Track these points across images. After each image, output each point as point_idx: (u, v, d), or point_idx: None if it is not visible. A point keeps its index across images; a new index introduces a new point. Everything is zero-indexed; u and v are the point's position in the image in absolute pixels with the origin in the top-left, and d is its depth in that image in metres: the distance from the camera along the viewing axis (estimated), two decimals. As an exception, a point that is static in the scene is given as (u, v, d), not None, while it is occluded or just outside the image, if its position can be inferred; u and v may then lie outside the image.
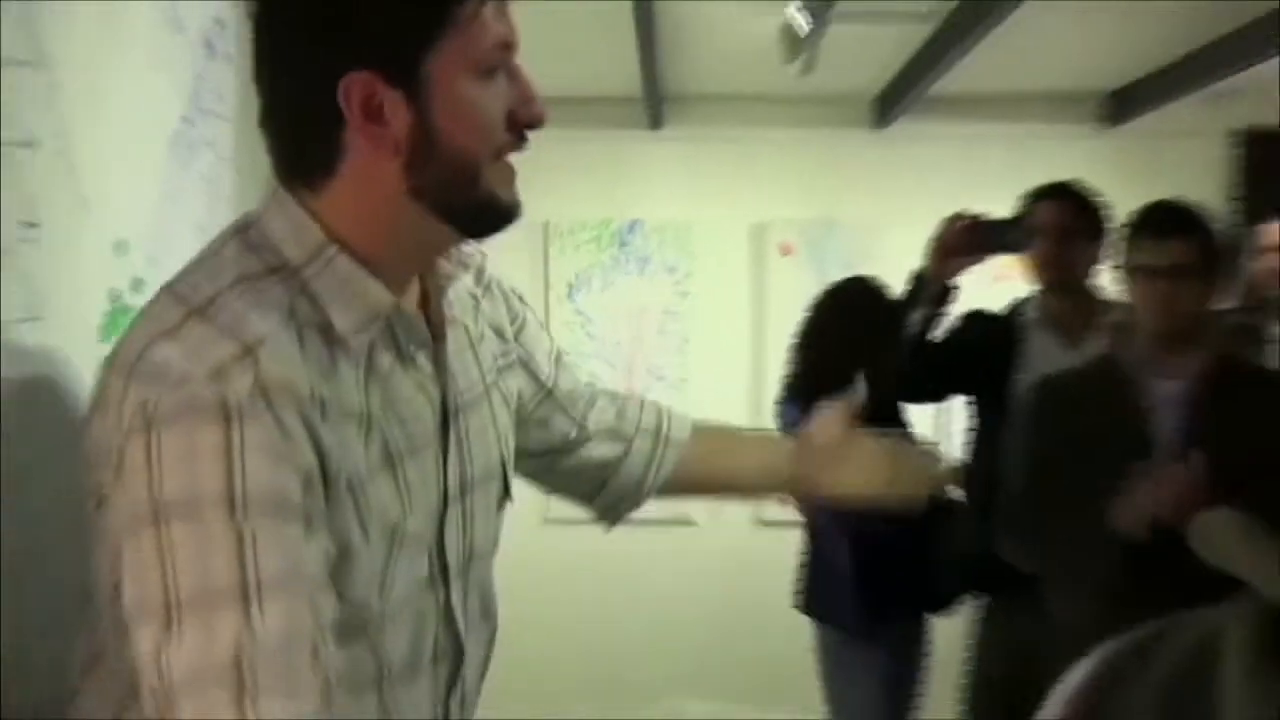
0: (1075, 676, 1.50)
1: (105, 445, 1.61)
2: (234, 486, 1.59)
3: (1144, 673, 1.48)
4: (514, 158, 1.87)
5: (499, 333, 2.15)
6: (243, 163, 2.84)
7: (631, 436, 2.46)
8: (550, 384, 2.30)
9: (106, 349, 1.89)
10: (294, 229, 1.76)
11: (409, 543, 1.84)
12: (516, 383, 2.18)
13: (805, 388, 4.33)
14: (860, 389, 2.99)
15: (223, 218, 2.51)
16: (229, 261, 1.72)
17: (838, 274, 5.22)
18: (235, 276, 1.69)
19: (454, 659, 2.01)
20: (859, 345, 4.29)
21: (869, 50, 5.36)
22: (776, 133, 6.73)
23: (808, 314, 4.54)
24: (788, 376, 4.45)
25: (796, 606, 4.57)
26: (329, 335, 1.72)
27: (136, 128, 2.24)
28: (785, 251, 6.78)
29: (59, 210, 1.90)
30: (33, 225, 1.85)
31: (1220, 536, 3.35)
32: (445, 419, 1.94)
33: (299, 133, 1.74)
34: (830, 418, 2.46)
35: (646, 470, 2.46)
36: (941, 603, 4.59)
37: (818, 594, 4.38)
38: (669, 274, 6.78)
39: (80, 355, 2.05)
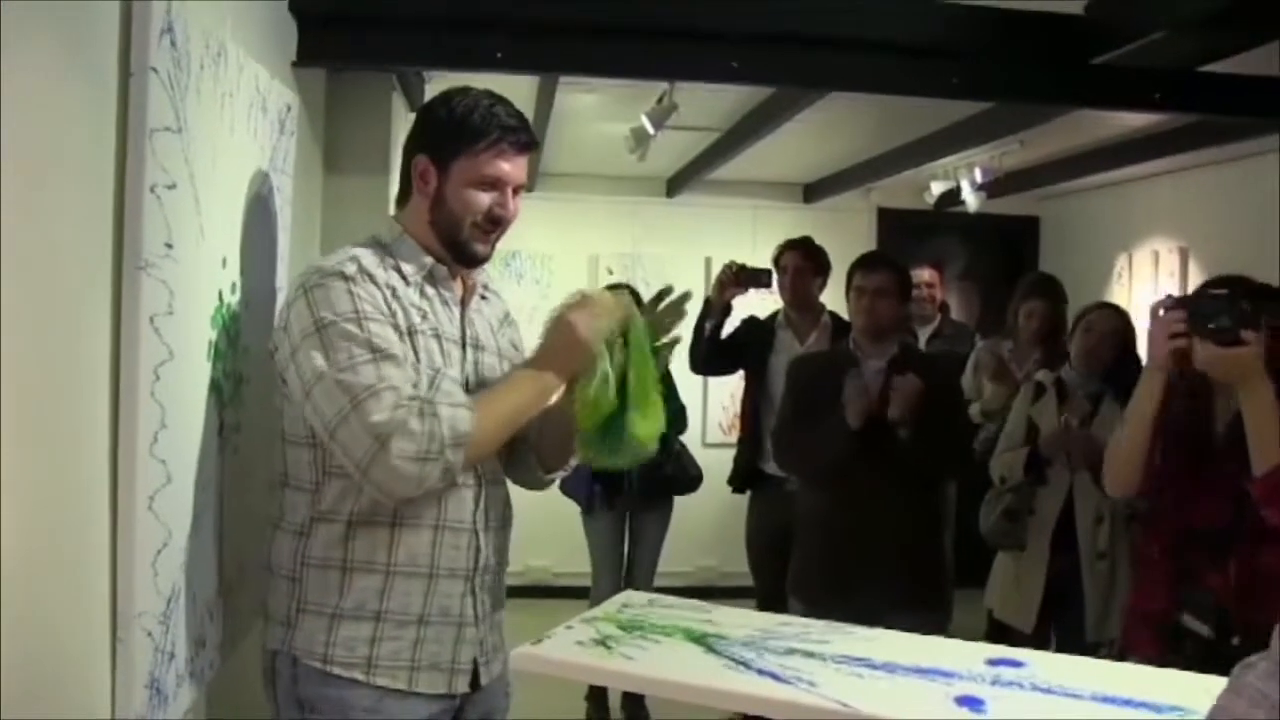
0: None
1: (281, 329, 2.06)
2: (359, 308, 1.99)
3: None
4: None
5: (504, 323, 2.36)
6: (298, 205, 2.96)
7: None
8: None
9: (215, 334, 2.21)
10: (389, 227, 2.22)
11: (446, 384, 2.06)
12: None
13: None
14: None
15: (285, 242, 2.80)
16: (356, 242, 2.17)
17: (642, 287, 5.57)
18: (356, 243, 2.16)
19: (476, 486, 2.15)
20: None
21: (664, 149, 5.59)
22: (605, 197, 7.23)
23: None
24: None
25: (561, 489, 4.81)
26: (400, 272, 2.11)
27: (236, 177, 2.32)
28: (610, 271, 7.13)
29: (187, 235, 1.98)
30: (170, 246, 1.88)
31: None
32: (464, 342, 2.18)
33: (402, 182, 2.22)
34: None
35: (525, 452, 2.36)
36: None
37: (568, 481, 4.48)
38: (536, 285, 7.15)
39: (198, 338, 2.10)
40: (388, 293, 2.05)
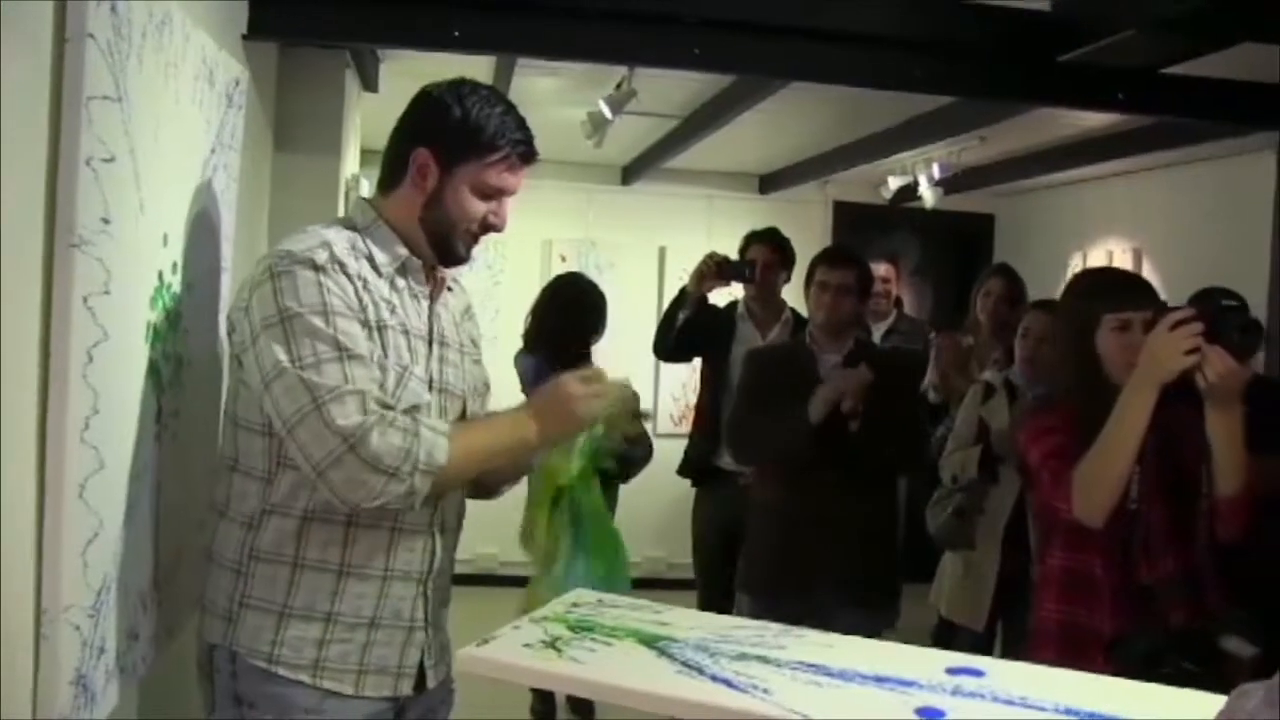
0: None
1: (241, 309, 1.98)
2: (327, 302, 1.91)
3: None
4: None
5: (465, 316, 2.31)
6: (243, 182, 2.85)
7: None
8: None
9: (154, 315, 2.10)
10: (362, 211, 2.14)
11: (416, 380, 2.03)
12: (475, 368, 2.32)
13: (536, 343, 4.60)
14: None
15: (231, 221, 2.69)
16: (326, 223, 2.11)
17: (595, 274, 5.60)
18: (325, 225, 2.09)
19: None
20: (569, 315, 4.55)
21: (621, 136, 5.56)
22: (560, 183, 7.04)
23: (541, 293, 4.81)
24: (525, 334, 4.72)
25: None
26: (372, 262, 2.05)
27: (180, 152, 2.22)
28: (563, 258, 7.10)
29: (126, 210, 1.88)
30: (107, 221, 1.79)
31: None
32: (431, 339, 2.13)
33: (389, 166, 2.13)
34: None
35: None
36: None
37: None
38: (488, 269, 7.01)
39: (135, 319, 2.01)
40: (359, 284, 1.98)
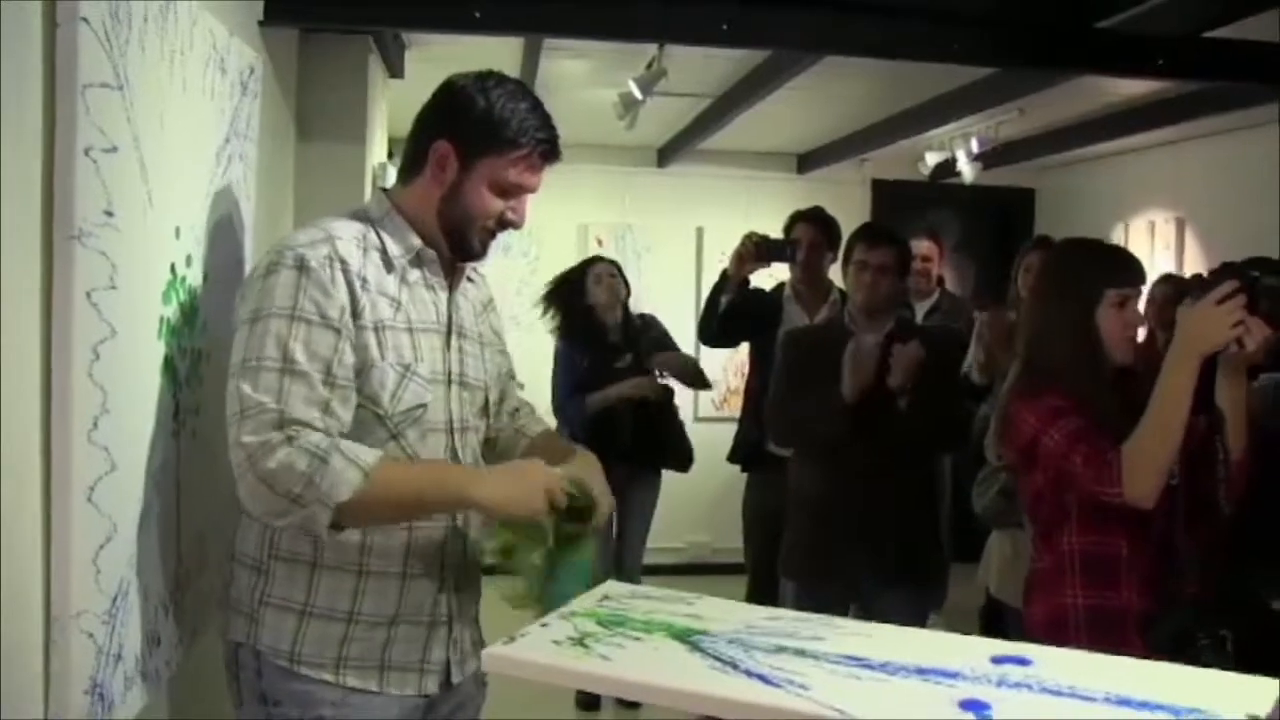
0: None
1: (239, 300, 1.95)
2: (298, 306, 1.86)
3: None
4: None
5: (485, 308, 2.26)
6: (263, 172, 2.78)
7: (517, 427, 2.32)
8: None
9: (168, 310, 2.04)
10: (378, 202, 2.09)
11: (418, 380, 1.98)
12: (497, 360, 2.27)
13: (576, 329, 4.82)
14: None
15: (249, 210, 2.61)
16: (339, 214, 2.06)
17: (633, 258, 5.51)
18: (336, 216, 2.04)
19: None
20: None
21: (654, 117, 5.54)
22: (595, 166, 6.96)
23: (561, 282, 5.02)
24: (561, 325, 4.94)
25: None
26: (384, 254, 1.99)
27: (191, 142, 2.14)
28: (600, 243, 6.95)
29: (132, 202, 1.81)
30: (110, 214, 1.71)
31: None
32: (449, 330, 2.08)
33: (410, 157, 2.06)
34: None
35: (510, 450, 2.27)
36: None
37: None
38: (524, 257, 6.93)
39: (146, 314, 1.93)
40: (359, 283, 1.92)
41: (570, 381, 4.83)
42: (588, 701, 4.94)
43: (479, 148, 1.99)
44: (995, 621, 4.11)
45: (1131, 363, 2.59)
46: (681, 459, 4.96)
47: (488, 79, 2.02)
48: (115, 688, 1.82)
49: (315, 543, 1.93)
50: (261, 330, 1.85)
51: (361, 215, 2.05)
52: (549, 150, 2.02)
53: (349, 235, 1.96)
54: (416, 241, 2.02)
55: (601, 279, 4.86)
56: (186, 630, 2.20)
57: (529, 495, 1.93)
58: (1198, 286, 2.41)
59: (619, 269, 4.97)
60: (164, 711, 2.15)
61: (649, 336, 4.97)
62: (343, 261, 1.91)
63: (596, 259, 5.07)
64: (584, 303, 4.87)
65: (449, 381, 2.04)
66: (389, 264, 1.99)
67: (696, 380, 5.05)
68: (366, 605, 1.97)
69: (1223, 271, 2.59)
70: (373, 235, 1.99)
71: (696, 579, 6.16)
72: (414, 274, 2.02)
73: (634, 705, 4.89)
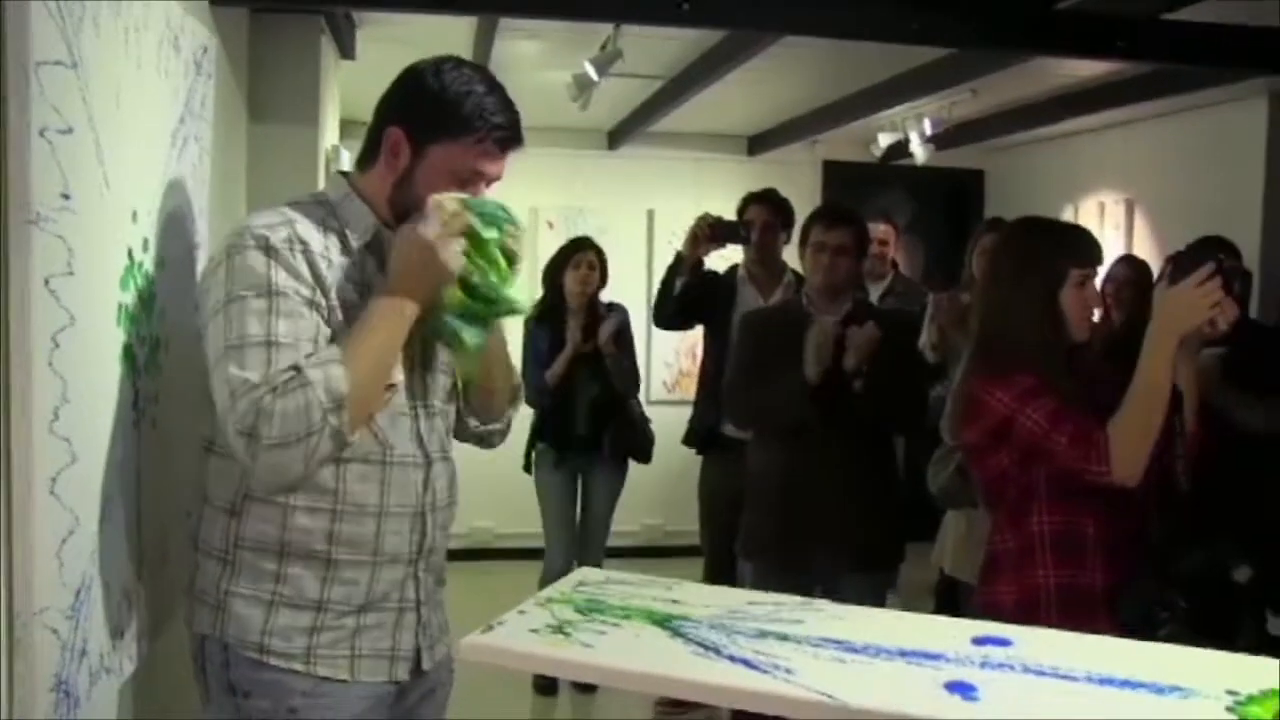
0: None
1: (204, 290, 1.88)
2: (272, 281, 1.80)
3: None
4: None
5: None
6: (216, 154, 2.73)
7: None
8: None
9: (126, 297, 1.97)
10: (335, 185, 2.04)
11: None
12: None
13: (546, 310, 4.85)
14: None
15: (204, 194, 2.56)
16: (297, 199, 2.00)
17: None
18: (295, 200, 1.98)
19: (424, 464, 2.01)
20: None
21: (607, 99, 5.41)
22: (546, 149, 6.63)
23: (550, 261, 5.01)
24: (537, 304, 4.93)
25: None
26: (343, 237, 1.95)
27: (146, 122, 2.08)
28: (550, 225, 6.92)
29: (89, 185, 1.76)
30: (67, 197, 1.67)
31: None
32: None
33: (368, 143, 2.01)
34: None
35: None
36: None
37: None
38: (477, 237, 6.45)
39: (104, 300, 1.88)
40: (323, 264, 1.87)
41: (531, 360, 4.79)
42: (545, 686, 4.91)
43: (430, 133, 1.93)
44: (950, 598, 4.17)
45: (1086, 340, 2.60)
46: (640, 450, 4.94)
47: (445, 63, 1.97)
48: (80, 684, 1.77)
49: (281, 530, 1.89)
50: (239, 310, 1.79)
51: (320, 198, 2.00)
52: (506, 136, 1.95)
53: (308, 219, 1.91)
54: (374, 222, 1.97)
55: (579, 265, 4.84)
56: (151, 623, 2.15)
57: (440, 267, 1.85)
58: (1173, 268, 2.43)
59: (600, 259, 4.92)
60: (129, 706, 2.09)
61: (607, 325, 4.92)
62: (303, 243, 1.86)
63: (583, 244, 4.98)
64: (555, 285, 4.86)
65: (412, 366, 1.99)
66: (348, 247, 1.94)
67: (627, 388, 4.96)
68: (335, 593, 1.92)
69: (1197, 251, 2.61)
70: (332, 219, 1.95)
71: (651, 561, 6.15)
72: (371, 263, 1.95)
73: (591, 689, 4.90)
